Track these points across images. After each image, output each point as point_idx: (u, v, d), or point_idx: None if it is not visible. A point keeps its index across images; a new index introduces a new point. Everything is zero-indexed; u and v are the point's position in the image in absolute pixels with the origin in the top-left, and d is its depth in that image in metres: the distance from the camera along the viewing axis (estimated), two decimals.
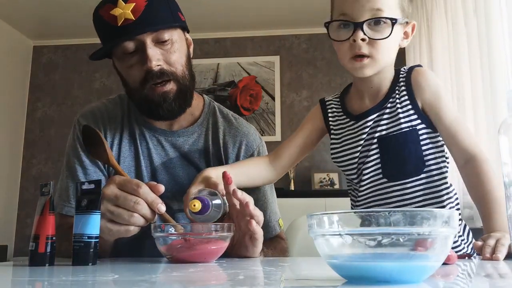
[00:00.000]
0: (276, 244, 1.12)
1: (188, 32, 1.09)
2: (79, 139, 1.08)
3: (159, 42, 0.98)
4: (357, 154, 1.03)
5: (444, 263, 0.64)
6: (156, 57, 0.97)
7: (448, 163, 1.02)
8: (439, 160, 1.00)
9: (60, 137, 4.03)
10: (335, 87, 3.81)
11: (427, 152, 0.99)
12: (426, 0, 2.84)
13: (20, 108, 4.08)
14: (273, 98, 3.92)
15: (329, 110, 1.12)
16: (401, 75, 1.03)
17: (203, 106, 1.15)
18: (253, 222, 0.85)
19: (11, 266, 0.77)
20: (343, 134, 1.07)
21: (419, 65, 1.06)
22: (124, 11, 0.94)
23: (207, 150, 1.10)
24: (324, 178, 3.58)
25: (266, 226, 1.09)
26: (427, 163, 0.99)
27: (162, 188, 0.82)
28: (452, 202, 1.01)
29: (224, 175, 0.88)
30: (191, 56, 1.09)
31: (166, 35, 0.99)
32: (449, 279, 0.56)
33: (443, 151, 1.01)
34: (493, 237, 0.81)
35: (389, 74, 1.03)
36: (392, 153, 0.99)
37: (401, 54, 3.78)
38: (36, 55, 4.22)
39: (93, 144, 0.97)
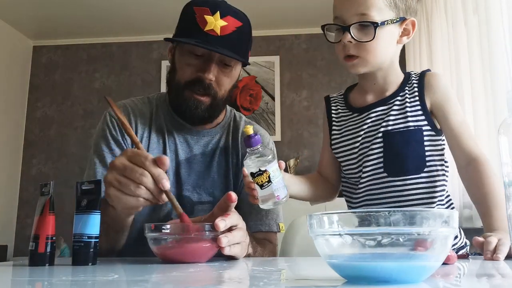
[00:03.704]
0: (266, 244, 1.14)
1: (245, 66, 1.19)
2: (109, 129, 1.13)
3: (223, 63, 1.08)
4: (357, 145, 1.06)
5: (444, 263, 0.64)
6: (214, 73, 1.06)
7: (447, 167, 1.04)
8: (438, 163, 1.02)
9: (60, 137, 4.03)
10: (335, 87, 3.81)
11: (428, 153, 1.02)
12: (426, 0, 2.84)
13: (20, 108, 4.08)
14: (273, 98, 3.92)
15: (333, 105, 1.16)
16: (413, 77, 1.07)
17: (225, 113, 1.24)
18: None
19: (11, 266, 0.77)
20: (344, 125, 1.11)
21: (428, 69, 1.09)
22: (216, 23, 1.03)
23: (227, 149, 1.19)
24: None
25: (262, 218, 1.14)
26: (428, 163, 1.01)
27: (166, 160, 0.80)
28: (442, 206, 1.03)
29: (228, 196, 0.85)
30: (235, 86, 1.18)
31: (233, 62, 1.08)
32: (449, 279, 0.56)
33: (443, 155, 1.04)
34: (494, 236, 0.81)
35: (396, 72, 1.07)
36: (396, 149, 1.02)
37: (401, 54, 3.75)
38: (36, 55, 4.22)
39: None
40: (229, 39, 1.04)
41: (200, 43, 1.02)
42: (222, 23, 1.03)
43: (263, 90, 3.93)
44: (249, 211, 1.12)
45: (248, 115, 3.85)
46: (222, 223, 0.79)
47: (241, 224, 0.86)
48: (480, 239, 0.82)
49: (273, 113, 3.88)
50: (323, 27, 1.03)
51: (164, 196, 0.82)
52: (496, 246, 0.77)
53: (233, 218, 0.84)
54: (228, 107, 1.27)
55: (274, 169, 0.88)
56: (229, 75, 1.10)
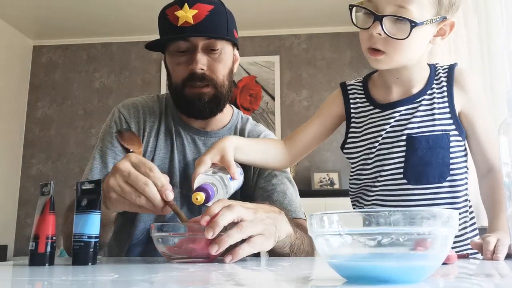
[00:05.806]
0: (301, 228, 1.08)
1: (237, 49, 1.18)
2: (117, 125, 1.14)
3: (209, 50, 1.07)
4: (376, 145, 0.97)
5: (444, 263, 0.64)
6: (202, 62, 1.06)
7: (467, 174, 0.98)
8: (463, 170, 0.96)
9: (60, 137, 4.03)
10: (335, 87, 3.78)
11: (454, 160, 0.94)
12: None
13: (20, 108, 4.08)
14: (273, 98, 3.92)
15: (351, 96, 1.06)
16: (440, 71, 0.98)
17: (232, 114, 1.25)
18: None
19: (11, 266, 0.77)
20: (365, 123, 1.01)
21: (456, 63, 1.01)
22: (187, 15, 1.04)
23: None
24: (324, 178, 3.59)
25: (286, 207, 1.08)
26: (451, 172, 0.94)
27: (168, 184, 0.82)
28: (467, 217, 0.98)
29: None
30: (234, 71, 1.18)
31: (218, 44, 1.08)
32: (449, 279, 0.56)
33: (466, 161, 0.97)
34: (493, 236, 0.81)
35: (422, 67, 0.97)
36: (419, 155, 0.94)
37: None
38: (36, 55, 4.22)
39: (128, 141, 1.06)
40: (203, 24, 1.05)
41: (174, 37, 1.05)
42: (192, 12, 1.04)
43: (263, 90, 3.94)
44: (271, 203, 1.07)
45: (248, 115, 3.85)
46: (209, 232, 0.73)
47: (249, 216, 0.77)
48: (478, 240, 0.81)
49: (273, 113, 3.88)
50: (351, 6, 0.90)
51: (167, 208, 0.82)
52: (495, 246, 0.77)
53: (227, 215, 0.74)
54: (235, 109, 1.28)
55: (231, 190, 0.88)
56: (220, 59, 1.09)
